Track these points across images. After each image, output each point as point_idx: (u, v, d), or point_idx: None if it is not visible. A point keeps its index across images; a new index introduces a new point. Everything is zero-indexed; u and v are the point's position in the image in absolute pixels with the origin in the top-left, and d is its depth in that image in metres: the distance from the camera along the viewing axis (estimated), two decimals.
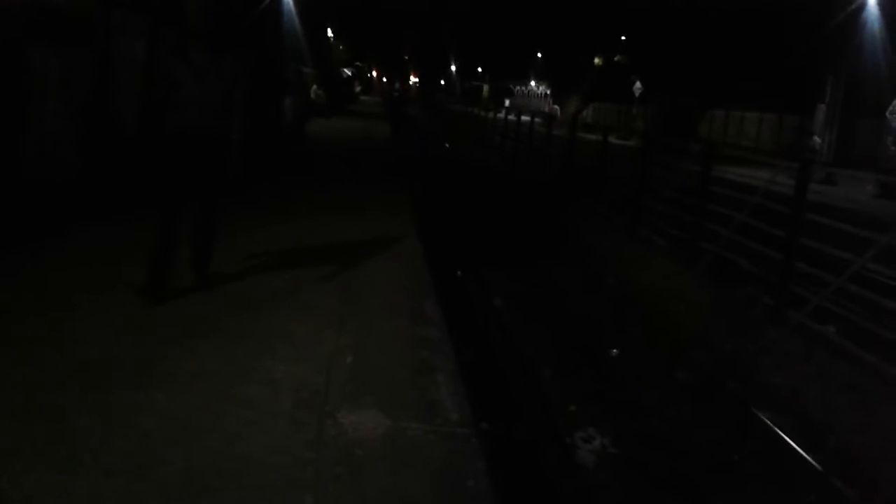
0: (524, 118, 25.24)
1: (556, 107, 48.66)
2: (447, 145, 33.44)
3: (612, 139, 16.04)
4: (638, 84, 40.87)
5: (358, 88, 57.68)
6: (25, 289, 5.54)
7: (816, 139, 24.60)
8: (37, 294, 5.44)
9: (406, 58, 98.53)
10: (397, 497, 3.23)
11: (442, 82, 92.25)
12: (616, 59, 46.52)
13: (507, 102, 63.60)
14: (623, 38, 44.90)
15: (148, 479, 3.17)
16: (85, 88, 8.50)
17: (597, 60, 47.92)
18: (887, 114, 20.14)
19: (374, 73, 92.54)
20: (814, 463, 5.29)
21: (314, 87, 27.32)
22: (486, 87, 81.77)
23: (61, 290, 5.55)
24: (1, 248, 6.32)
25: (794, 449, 5.49)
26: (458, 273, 10.11)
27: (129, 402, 3.83)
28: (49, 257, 6.43)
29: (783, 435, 5.67)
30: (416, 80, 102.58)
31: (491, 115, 32.91)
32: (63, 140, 8.13)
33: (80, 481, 3.11)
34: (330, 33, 43.27)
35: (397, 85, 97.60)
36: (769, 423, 5.86)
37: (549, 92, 63.48)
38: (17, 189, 7.17)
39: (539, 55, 64.80)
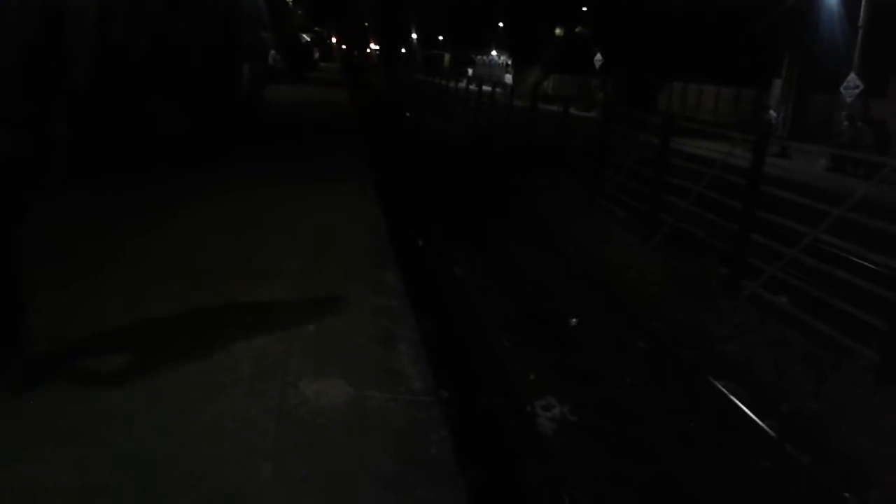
0: (485, 88, 25.16)
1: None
2: (408, 114, 33.20)
3: (573, 110, 16.03)
4: (599, 56, 40.91)
5: (317, 55, 56.81)
6: None
7: (772, 113, 24.96)
8: None
9: (366, 24, 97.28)
10: (360, 465, 3.23)
11: (403, 51, 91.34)
12: (577, 30, 46.45)
13: (469, 72, 63.25)
14: (584, 8, 44.83)
15: None
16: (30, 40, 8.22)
17: (558, 31, 47.78)
18: (841, 89, 20.49)
19: (334, 40, 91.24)
20: (767, 429, 5.42)
21: (272, 52, 26.85)
22: (447, 57, 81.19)
23: None
24: None
25: (748, 416, 5.62)
26: (419, 243, 10.09)
27: None
28: None
29: (737, 402, 5.80)
30: (377, 47, 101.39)
31: (452, 84, 32.69)
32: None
33: None
34: None
35: (356, 52, 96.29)
36: (723, 390, 5.99)
37: (509, 62, 63.27)
38: None
39: (500, 25, 64.45)
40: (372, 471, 3.20)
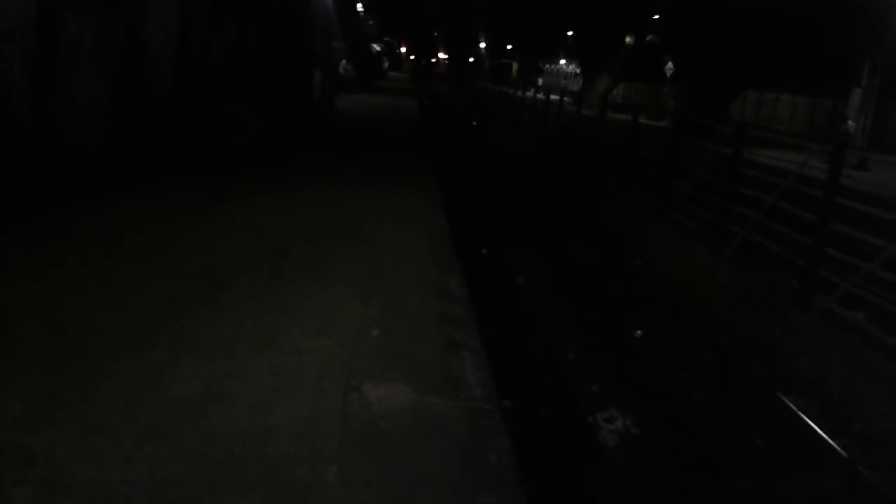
0: (553, 97, 25.04)
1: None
2: (475, 123, 33.28)
3: (643, 119, 15.84)
4: (670, 64, 40.28)
5: (387, 64, 57.50)
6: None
7: (851, 123, 24.14)
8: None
9: (435, 34, 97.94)
10: (421, 469, 3.26)
11: (471, 60, 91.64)
12: (648, 38, 45.83)
13: (539, 81, 62.93)
14: (656, 17, 44.23)
15: None
16: (117, 54, 8.58)
17: (628, 39, 47.21)
18: None
19: (404, 50, 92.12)
20: (838, 448, 5.25)
21: (343, 61, 27.28)
22: (514, 66, 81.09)
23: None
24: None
25: (819, 434, 5.45)
26: (483, 251, 10.10)
27: None
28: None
29: (808, 420, 5.63)
30: (445, 56, 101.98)
31: (519, 93, 32.65)
32: (94, 106, 8.22)
33: None
34: (360, 7, 43.08)
35: (423, 62, 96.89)
36: (794, 407, 5.83)
37: (578, 71, 62.82)
38: (47, 154, 7.26)
39: (569, 33, 64.06)
40: (433, 476, 3.23)
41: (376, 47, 51.30)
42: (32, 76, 6.98)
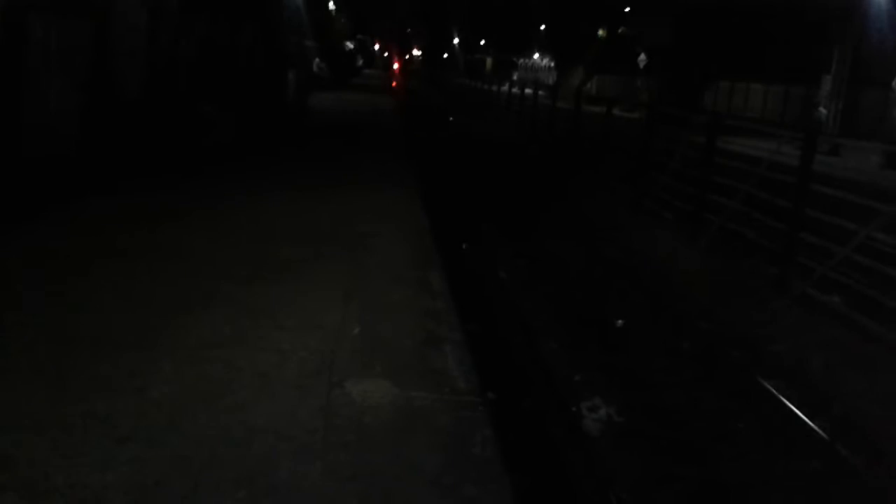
0: (528, 91, 25.09)
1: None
2: (451, 119, 33.27)
3: (617, 111, 15.93)
4: (642, 56, 40.52)
5: (360, 62, 57.32)
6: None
7: (822, 110, 24.43)
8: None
9: (408, 30, 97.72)
10: (405, 463, 3.26)
11: (445, 56, 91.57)
12: (620, 30, 46.04)
13: (514, 76, 62.96)
14: (627, 9, 44.44)
15: None
16: (86, 57, 8.47)
17: (601, 32, 47.41)
18: (893, 84, 19.98)
19: (377, 47, 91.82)
20: (818, 430, 5.32)
21: (316, 60, 27.16)
22: (489, 61, 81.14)
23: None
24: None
25: (799, 416, 5.51)
26: (463, 245, 10.11)
27: None
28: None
29: (787, 402, 5.70)
30: (419, 53, 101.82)
31: (494, 87, 32.69)
32: (64, 110, 8.11)
33: None
34: (332, 5, 42.88)
35: (398, 58, 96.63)
36: (773, 390, 5.89)
37: (552, 64, 63.00)
38: (16, 162, 7.16)
39: (542, 27, 64.21)
40: (417, 469, 3.22)
41: (350, 45, 51.11)
42: None
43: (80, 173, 8.09)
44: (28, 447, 3.11)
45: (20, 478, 2.92)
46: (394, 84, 53.30)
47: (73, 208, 7.29)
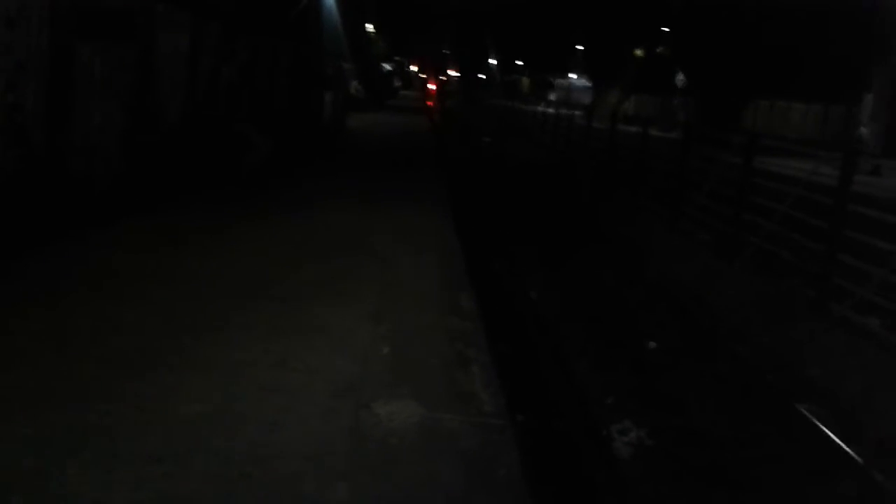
0: (564, 111, 25.11)
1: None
2: (486, 139, 33.38)
3: (654, 131, 15.84)
4: (680, 75, 40.33)
5: (398, 83, 57.88)
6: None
7: (864, 129, 24.01)
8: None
9: (445, 52, 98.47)
10: (431, 485, 3.27)
11: (482, 76, 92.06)
12: (658, 50, 45.91)
13: (552, 96, 63.00)
14: (665, 29, 44.31)
15: None
16: (129, 83, 8.70)
17: (638, 52, 47.30)
18: None
19: (414, 68, 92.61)
20: (854, 455, 5.20)
21: (354, 82, 27.49)
22: (525, 81, 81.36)
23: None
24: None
25: (835, 441, 5.40)
26: (494, 266, 10.11)
27: None
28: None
29: (823, 428, 5.59)
30: (457, 74, 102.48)
31: (530, 108, 32.76)
32: (108, 133, 8.33)
33: None
34: (370, 28, 43.46)
35: (434, 80, 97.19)
36: (809, 415, 5.78)
37: (589, 85, 62.95)
38: (61, 181, 7.36)
39: (579, 47, 64.27)
40: (443, 491, 3.23)
41: (387, 67, 51.66)
42: (46, 106, 7.09)
43: (122, 193, 8.29)
44: (53, 462, 3.19)
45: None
46: (430, 105, 53.63)
47: (114, 228, 7.45)
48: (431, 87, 76.31)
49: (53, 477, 3.07)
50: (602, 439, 5.37)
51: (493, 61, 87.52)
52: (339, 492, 3.16)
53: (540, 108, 31.09)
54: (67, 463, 3.17)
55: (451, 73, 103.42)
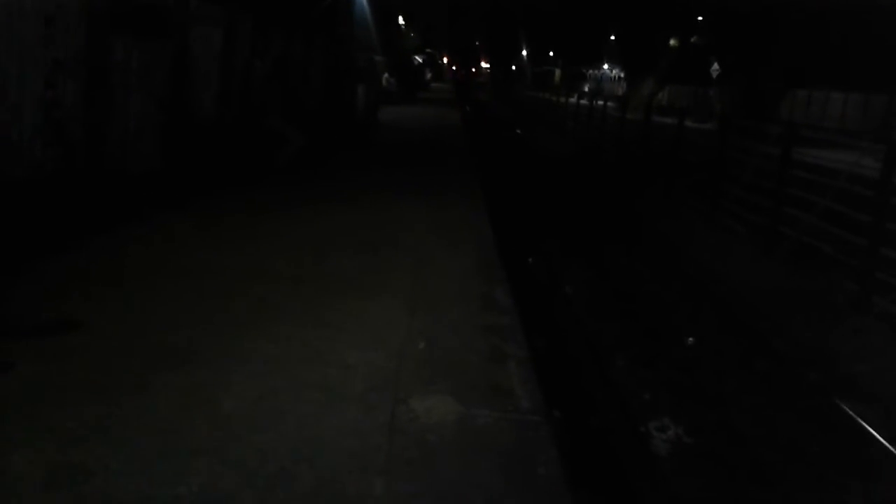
0: (597, 102, 24.87)
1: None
2: (518, 131, 33.24)
3: (689, 122, 15.62)
4: (716, 65, 39.75)
5: (429, 75, 57.83)
6: None
7: None
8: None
9: (477, 43, 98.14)
10: (468, 482, 3.25)
11: (513, 68, 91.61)
12: (692, 39, 45.30)
13: (586, 88, 62.44)
14: (700, 18, 43.70)
15: None
16: (164, 77, 8.78)
17: (672, 42, 46.72)
18: None
19: (445, 60, 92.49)
20: None
21: (385, 74, 27.51)
22: (557, 72, 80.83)
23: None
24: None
25: (879, 440, 5.29)
26: (530, 259, 10.06)
27: None
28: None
29: (866, 426, 5.47)
30: (487, 65, 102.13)
31: (563, 99, 32.52)
32: (144, 129, 8.42)
33: None
34: (401, 21, 43.45)
35: (464, 72, 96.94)
36: (852, 413, 5.67)
37: (622, 75, 62.37)
38: (99, 176, 7.46)
39: (612, 38, 63.66)
40: (481, 489, 3.21)
41: (418, 59, 51.64)
42: (84, 102, 7.19)
43: (157, 189, 8.37)
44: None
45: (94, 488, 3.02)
46: (462, 97, 53.53)
47: (151, 221, 7.55)
48: (462, 79, 76.17)
49: None
50: (640, 436, 5.31)
51: (524, 52, 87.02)
52: (377, 487, 3.16)
53: (572, 100, 30.79)
54: None
55: (483, 64, 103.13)
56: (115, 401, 3.71)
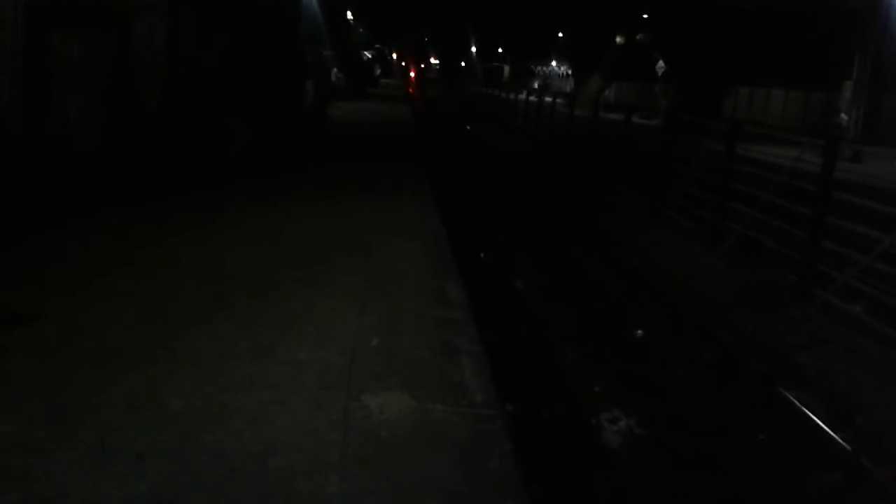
0: (545, 99, 25.07)
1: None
2: (468, 127, 33.31)
3: (635, 119, 15.85)
4: (661, 62, 40.37)
5: (378, 71, 57.53)
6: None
7: (843, 116, 24.19)
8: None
9: (426, 39, 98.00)
10: (423, 478, 3.24)
11: (462, 64, 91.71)
12: (638, 37, 45.92)
13: (536, 84, 62.84)
14: (644, 15, 44.32)
15: None
16: (106, 71, 8.56)
17: (618, 39, 47.30)
18: None
19: (395, 56, 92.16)
20: (841, 441, 5.25)
21: (334, 70, 27.28)
22: (506, 69, 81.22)
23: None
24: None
25: (821, 427, 5.44)
26: (481, 255, 10.09)
27: None
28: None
29: (810, 413, 5.63)
30: (437, 62, 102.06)
31: (512, 96, 32.71)
32: (86, 123, 8.20)
33: None
34: (350, 15, 43.13)
35: (415, 68, 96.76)
36: (795, 401, 5.82)
37: (570, 72, 62.96)
38: (39, 172, 7.24)
39: (560, 35, 64.21)
40: (435, 484, 3.21)
41: (368, 54, 51.32)
42: (23, 96, 6.96)
43: (100, 185, 8.16)
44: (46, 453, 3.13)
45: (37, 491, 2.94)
46: (411, 92, 53.48)
47: (91, 220, 7.36)
48: (412, 75, 76.04)
49: None
50: (591, 427, 5.37)
51: (473, 49, 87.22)
52: (331, 485, 3.13)
53: (521, 96, 30.98)
54: None
55: (433, 60, 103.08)
56: (59, 402, 3.61)
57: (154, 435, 3.39)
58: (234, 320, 4.89)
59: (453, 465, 3.36)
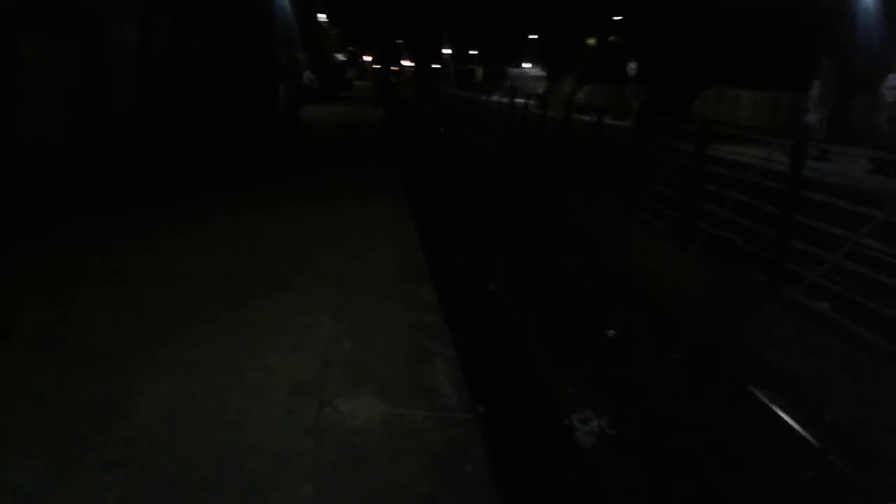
0: (518, 100, 25.15)
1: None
2: (441, 129, 33.32)
3: (607, 120, 15.93)
4: (632, 64, 40.63)
5: (351, 74, 57.40)
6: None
7: (811, 116, 24.51)
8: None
9: (399, 42, 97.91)
10: (397, 484, 3.24)
11: (436, 66, 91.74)
12: (610, 39, 46.22)
13: (509, 85, 62.97)
14: (617, 17, 44.61)
15: None
16: (76, 75, 8.46)
17: (590, 41, 47.59)
18: (881, 89, 20.10)
19: (368, 59, 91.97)
20: (810, 439, 5.32)
21: (307, 72, 27.18)
22: (479, 71, 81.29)
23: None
24: None
25: (791, 425, 5.51)
26: (453, 257, 10.10)
27: None
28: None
29: (779, 411, 5.70)
30: (410, 64, 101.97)
31: (484, 98, 32.79)
32: (54, 127, 8.10)
33: None
34: (323, 17, 42.96)
35: (388, 70, 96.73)
36: (765, 399, 5.89)
37: (543, 74, 63.18)
38: (7, 180, 7.14)
39: (533, 37, 64.45)
40: (409, 488, 3.21)
41: (340, 57, 51.20)
42: None
43: (70, 192, 8.06)
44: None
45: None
46: (384, 95, 53.36)
47: (60, 227, 7.26)
48: (385, 77, 75.89)
49: None
50: (564, 428, 5.40)
51: (447, 51, 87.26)
52: (304, 493, 3.13)
53: (494, 98, 31.05)
54: None
55: (406, 63, 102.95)
56: (24, 411, 3.56)
57: (122, 445, 3.36)
58: (205, 327, 4.85)
59: (426, 470, 3.36)
